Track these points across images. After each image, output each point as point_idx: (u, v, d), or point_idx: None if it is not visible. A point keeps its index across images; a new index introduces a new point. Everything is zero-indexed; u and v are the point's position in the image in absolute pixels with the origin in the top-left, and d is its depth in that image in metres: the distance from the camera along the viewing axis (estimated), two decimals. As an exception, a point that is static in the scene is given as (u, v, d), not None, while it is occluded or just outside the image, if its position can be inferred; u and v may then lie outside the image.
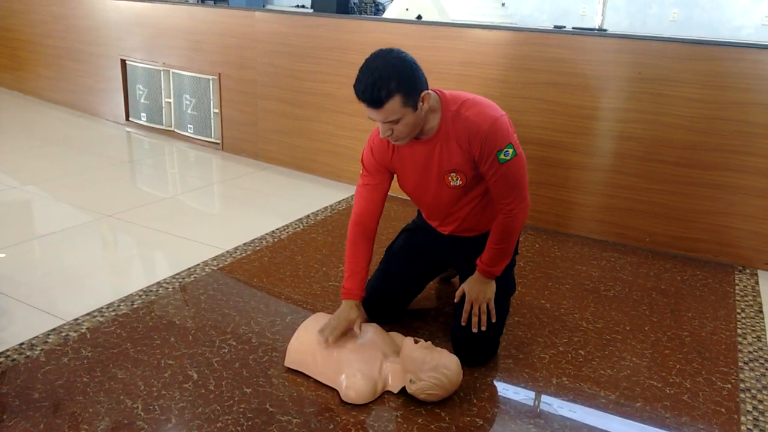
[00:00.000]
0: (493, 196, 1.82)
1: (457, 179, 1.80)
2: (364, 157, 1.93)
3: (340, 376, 1.72)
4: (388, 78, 1.59)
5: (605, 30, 4.26)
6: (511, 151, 1.72)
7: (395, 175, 1.94)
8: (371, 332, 1.86)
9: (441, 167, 1.80)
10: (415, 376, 1.66)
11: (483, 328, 1.87)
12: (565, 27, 4.29)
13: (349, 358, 1.74)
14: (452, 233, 2.00)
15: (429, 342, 1.71)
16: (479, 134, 1.70)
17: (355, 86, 1.64)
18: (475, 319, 1.87)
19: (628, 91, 2.78)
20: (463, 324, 1.89)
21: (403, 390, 1.71)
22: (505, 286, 1.97)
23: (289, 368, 1.82)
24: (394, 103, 1.60)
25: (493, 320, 1.88)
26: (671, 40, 2.71)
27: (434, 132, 1.76)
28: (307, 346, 1.81)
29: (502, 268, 1.89)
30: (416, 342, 1.70)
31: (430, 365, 1.65)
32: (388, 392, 1.73)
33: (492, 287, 1.90)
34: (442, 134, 1.75)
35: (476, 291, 1.88)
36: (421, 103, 1.65)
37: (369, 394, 1.68)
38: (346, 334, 1.82)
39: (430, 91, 1.67)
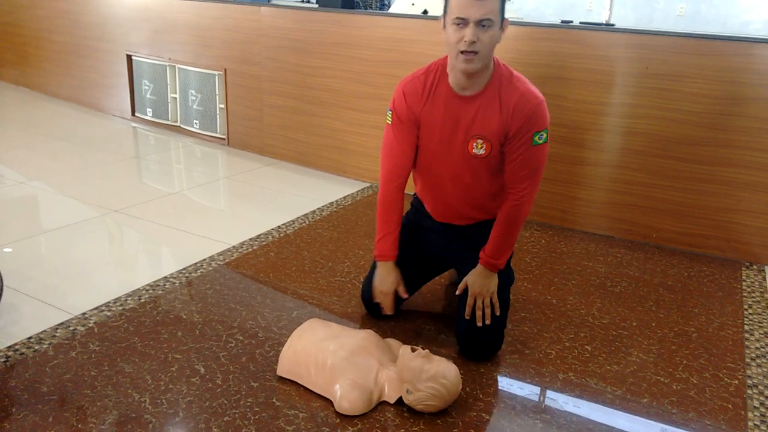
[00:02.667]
0: (509, 178, 1.80)
1: (481, 147, 1.76)
2: (395, 102, 1.84)
3: (334, 386, 1.65)
4: None
5: (612, 25, 4.24)
6: (545, 136, 1.74)
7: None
8: (367, 339, 1.81)
9: (470, 129, 1.76)
10: (413, 386, 1.60)
11: (488, 322, 1.86)
12: (572, 21, 4.27)
13: (343, 367, 1.68)
14: (443, 219, 1.99)
15: (427, 350, 1.64)
16: (526, 107, 1.70)
17: None
18: (479, 313, 1.86)
19: (635, 86, 2.77)
20: (466, 317, 1.88)
21: (400, 400, 1.66)
22: (505, 278, 1.95)
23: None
24: (496, 2, 1.61)
25: (497, 313, 1.87)
26: (679, 35, 2.70)
27: (480, 90, 1.73)
28: (300, 355, 1.75)
29: (505, 261, 1.88)
30: (413, 350, 1.63)
31: (427, 375, 1.58)
32: (385, 402, 1.68)
33: (495, 280, 1.88)
34: (488, 94, 1.73)
35: (479, 285, 1.86)
36: (502, 31, 1.68)
37: (364, 405, 1.62)
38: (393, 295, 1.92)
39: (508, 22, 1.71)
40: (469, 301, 1.87)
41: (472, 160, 1.80)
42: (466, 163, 1.82)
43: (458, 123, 1.78)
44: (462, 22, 1.60)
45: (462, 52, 1.62)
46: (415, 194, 2.11)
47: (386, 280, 1.91)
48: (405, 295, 1.92)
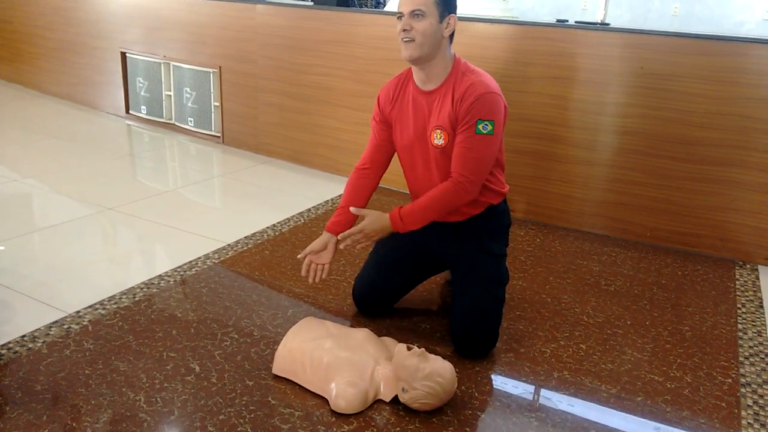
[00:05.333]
0: (453, 162, 1.84)
1: (440, 137, 1.85)
2: (374, 109, 2.02)
3: (329, 384, 1.65)
4: None
5: (607, 24, 4.25)
6: (490, 127, 1.78)
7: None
8: (363, 337, 1.81)
9: (431, 121, 1.87)
10: (408, 385, 1.59)
11: (341, 247, 1.88)
12: (567, 21, 4.28)
13: (339, 365, 1.68)
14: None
15: (422, 349, 1.63)
16: (470, 95, 1.78)
17: None
18: (346, 236, 1.85)
19: (629, 85, 2.78)
20: (341, 239, 1.88)
21: (396, 399, 1.66)
22: (499, 276, 1.96)
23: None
24: None
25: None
26: (673, 35, 2.71)
27: (438, 85, 1.85)
28: (296, 353, 1.74)
29: (409, 226, 1.86)
30: (409, 349, 1.63)
31: (423, 373, 1.57)
32: (380, 401, 1.67)
33: (384, 232, 1.86)
34: (444, 88, 1.84)
35: (369, 224, 1.84)
36: (446, 24, 1.79)
37: (359, 403, 1.62)
38: (317, 252, 1.94)
39: (456, 18, 1.81)
40: (351, 230, 1.86)
41: (435, 150, 1.89)
42: (431, 154, 1.91)
43: (423, 117, 1.90)
44: (400, 15, 1.80)
45: (402, 40, 1.80)
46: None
47: (312, 245, 1.96)
48: (317, 275, 1.95)
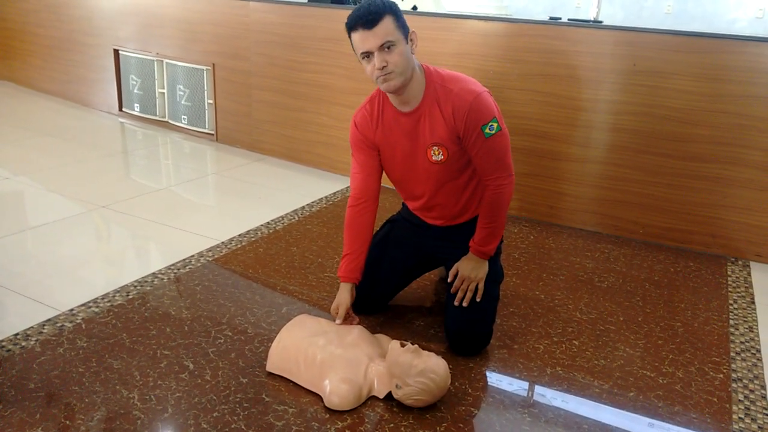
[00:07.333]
0: (479, 171, 1.85)
1: (439, 153, 1.82)
2: (350, 136, 1.93)
3: (323, 381, 1.66)
4: (382, 2, 1.66)
5: (600, 22, 4.26)
6: (495, 125, 1.76)
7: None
8: (356, 334, 1.82)
9: (424, 140, 1.82)
10: (402, 381, 1.60)
11: (465, 304, 1.88)
12: (560, 18, 4.29)
13: (333, 362, 1.69)
14: (436, 222, 2.02)
15: (416, 345, 1.64)
16: (463, 108, 1.73)
17: (349, 16, 1.68)
18: (460, 295, 1.88)
19: (622, 83, 2.79)
20: (452, 292, 1.90)
21: (389, 395, 1.66)
22: (494, 274, 1.97)
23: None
24: (388, 23, 1.65)
25: (478, 299, 1.89)
26: (666, 32, 2.72)
27: (419, 103, 1.79)
28: (290, 350, 1.75)
29: (494, 248, 1.91)
30: (403, 345, 1.63)
31: (417, 370, 1.58)
32: (374, 397, 1.68)
33: (484, 268, 1.90)
34: (426, 105, 1.78)
35: (469, 269, 1.89)
36: (410, 42, 1.72)
37: (353, 400, 1.63)
38: (349, 316, 1.90)
39: (416, 33, 1.74)
40: (456, 283, 1.90)
41: (434, 166, 1.86)
42: (430, 170, 1.87)
43: (412, 137, 1.84)
44: (368, 55, 1.68)
45: (380, 77, 1.70)
46: (403, 203, 2.15)
47: (338, 301, 1.90)
48: (354, 322, 1.93)
